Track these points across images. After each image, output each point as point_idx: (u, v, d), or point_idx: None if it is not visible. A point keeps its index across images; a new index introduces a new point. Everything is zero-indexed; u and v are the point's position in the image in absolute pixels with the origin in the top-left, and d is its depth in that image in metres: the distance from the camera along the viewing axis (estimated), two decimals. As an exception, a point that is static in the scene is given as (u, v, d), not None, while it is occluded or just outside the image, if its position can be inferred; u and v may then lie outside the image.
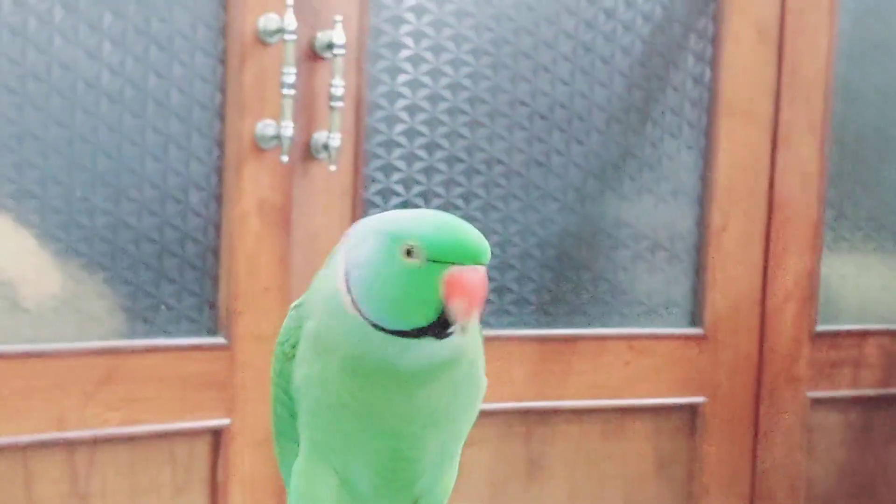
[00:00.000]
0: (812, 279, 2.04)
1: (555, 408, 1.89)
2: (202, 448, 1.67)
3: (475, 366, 0.69)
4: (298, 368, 0.67)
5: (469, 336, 0.67)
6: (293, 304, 0.72)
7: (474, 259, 0.63)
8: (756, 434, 2.03)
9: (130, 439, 1.61)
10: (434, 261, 0.63)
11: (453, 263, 0.63)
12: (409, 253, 0.63)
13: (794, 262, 2.02)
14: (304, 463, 0.67)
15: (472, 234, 0.64)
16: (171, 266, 1.63)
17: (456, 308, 0.63)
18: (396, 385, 0.64)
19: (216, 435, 1.67)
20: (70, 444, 1.58)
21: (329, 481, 0.67)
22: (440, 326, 0.63)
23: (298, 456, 0.68)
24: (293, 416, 0.68)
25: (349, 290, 0.65)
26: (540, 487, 1.89)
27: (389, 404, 0.65)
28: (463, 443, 0.70)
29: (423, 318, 0.64)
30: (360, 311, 0.65)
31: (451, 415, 0.67)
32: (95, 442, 1.59)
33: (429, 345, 0.64)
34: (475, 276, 0.63)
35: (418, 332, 0.64)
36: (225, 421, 1.66)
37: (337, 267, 0.67)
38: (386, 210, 1.76)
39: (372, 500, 0.68)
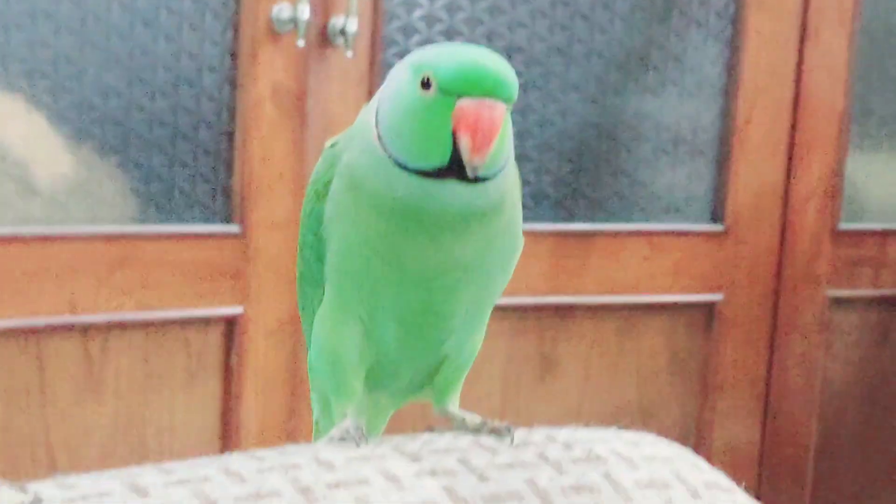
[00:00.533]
0: (836, 176, 2.01)
1: (570, 303, 1.87)
2: (215, 336, 1.66)
3: (512, 222, 0.65)
4: (330, 206, 0.64)
5: (504, 188, 0.63)
6: (328, 142, 0.69)
7: (488, 91, 0.59)
8: (773, 332, 2.02)
9: (144, 325, 1.60)
10: (447, 92, 0.60)
11: (466, 96, 0.60)
12: (425, 84, 0.60)
13: (819, 157, 1.99)
14: (329, 310, 0.64)
15: (491, 66, 0.60)
16: (185, 150, 1.61)
17: (463, 144, 0.60)
18: (425, 231, 0.61)
19: (229, 323, 1.66)
20: (83, 329, 1.57)
21: (354, 329, 0.64)
22: (459, 167, 0.60)
23: (323, 302, 0.65)
24: (320, 259, 0.65)
25: (377, 124, 0.62)
26: (552, 383, 1.89)
27: (418, 251, 0.62)
28: (494, 303, 0.66)
29: (437, 156, 0.60)
30: (384, 146, 0.62)
31: (484, 270, 0.64)
32: (109, 327, 1.58)
33: (453, 189, 0.61)
34: (485, 110, 0.59)
35: (441, 173, 0.61)
36: (238, 309, 1.65)
37: (373, 100, 0.65)
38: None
39: (397, 355, 0.65)
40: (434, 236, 0.61)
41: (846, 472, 2.13)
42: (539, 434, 0.58)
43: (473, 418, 0.62)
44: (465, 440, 0.57)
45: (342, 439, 0.57)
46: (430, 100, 0.60)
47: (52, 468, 1.57)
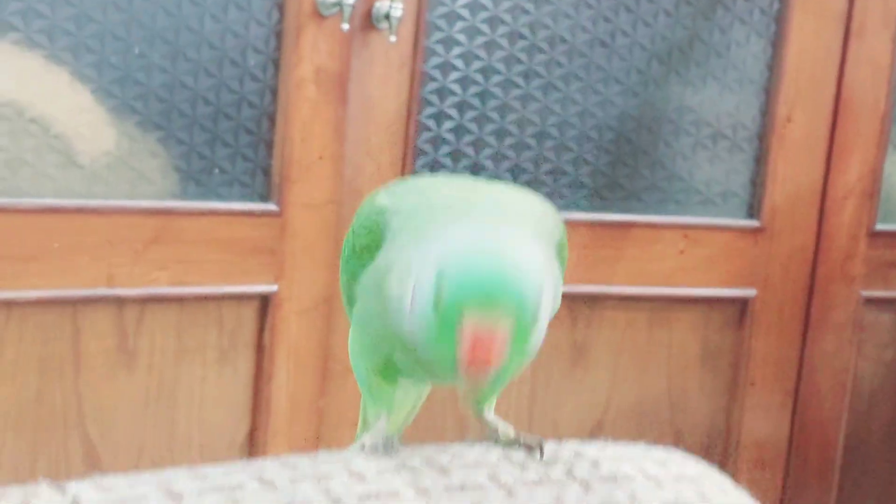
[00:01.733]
0: (875, 176, 2.00)
1: (603, 293, 1.87)
2: (249, 313, 1.67)
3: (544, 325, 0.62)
4: (361, 290, 0.62)
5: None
6: (376, 202, 0.63)
7: (487, 306, 0.54)
8: (805, 330, 2.01)
9: (179, 300, 1.62)
10: (453, 311, 0.54)
11: (470, 313, 0.54)
12: (437, 300, 0.56)
13: (858, 157, 1.98)
14: (355, 337, 0.65)
15: (492, 275, 0.55)
16: (226, 129, 1.62)
17: (463, 367, 0.54)
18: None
19: (264, 301, 1.67)
20: (119, 302, 1.58)
21: (380, 360, 0.64)
22: None
23: (352, 325, 0.65)
24: (352, 299, 0.65)
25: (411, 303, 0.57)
26: (583, 372, 1.89)
27: (438, 374, 0.60)
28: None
29: (448, 368, 0.55)
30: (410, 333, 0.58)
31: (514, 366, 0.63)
32: (144, 301, 1.60)
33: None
34: (484, 333, 0.53)
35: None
36: (273, 287, 1.66)
37: (412, 259, 0.59)
38: (443, 84, 1.73)
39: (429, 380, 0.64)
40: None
41: (873, 471, 2.13)
42: (568, 449, 0.59)
43: (507, 430, 0.62)
44: (495, 454, 0.58)
45: (374, 449, 0.58)
46: (441, 316, 0.56)
47: (83, 438, 1.58)
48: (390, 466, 0.54)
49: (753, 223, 1.95)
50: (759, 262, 1.96)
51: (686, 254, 1.91)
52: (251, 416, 1.69)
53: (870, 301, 2.05)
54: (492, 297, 0.55)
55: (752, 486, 2.01)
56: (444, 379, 0.59)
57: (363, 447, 0.58)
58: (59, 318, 1.55)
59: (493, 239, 0.57)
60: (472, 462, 0.56)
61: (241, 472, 0.51)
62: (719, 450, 1.99)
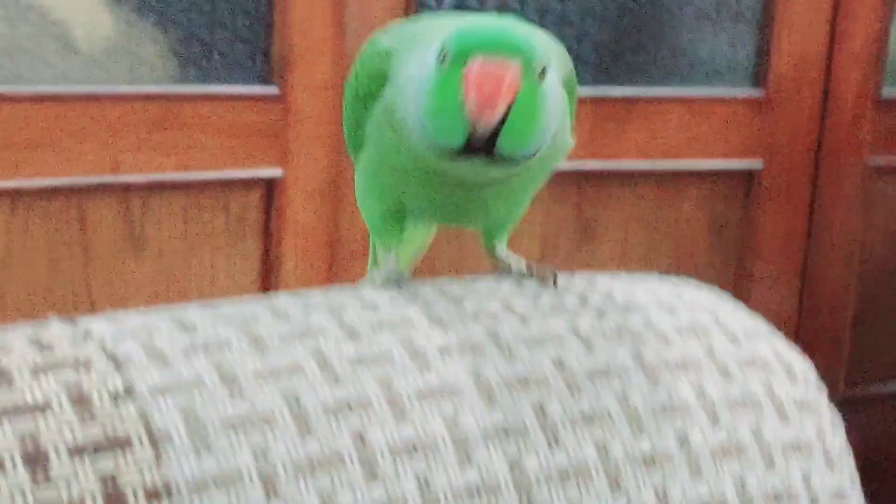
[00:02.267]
0: (880, 42, 1.98)
1: (609, 170, 1.87)
2: (255, 198, 1.67)
3: (554, 151, 0.61)
4: (371, 119, 0.61)
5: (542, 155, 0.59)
6: (378, 46, 0.62)
7: (498, 48, 0.53)
8: (813, 200, 2.01)
9: (184, 186, 1.61)
10: (458, 59, 0.54)
11: (475, 57, 0.53)
12: (442, 58, 0.55)
13: (864, 23, 1.96)
14: (363, 178, 0.64)
15: (501, 25, 0.54)
16: (224, 10, 1.60)
17: (467, 105, 0.52)
18: (454, 183, 0.58)
19: (269, 185, 1.66)
20: (125, 189, 1.58)
21: (388, 203, 0.63)
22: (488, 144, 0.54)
23: (358, 168, 0.64)
24: (359, 141, 0.64)
25: (403, 101, 0.56)
26: (591, 250, 1.89)
27: (446, 192, 0.59)
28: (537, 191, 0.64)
29: (453, 134, 0.54)
30: (409, 126, 0.56)
31: (521, 192, 0.61)
32: (150, 188, 1.59)
33: (478, 165, 0.55)
34: (491, 66, 0.52)
35: (467, 151, 0.55)
36: (278, 171, 1.65)
37: (404, 61, 0.58)
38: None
39: (438, 221, 0.64)
40: (464, 188, 0.58)
41: (883, 341, 2.13)
42: (581, 280, 0.59)
43: (519, 264, 0.61)
44: (508, 284, 0.58)
45: (386, 282, 0.58)
46: (445, 71, 0.55)
47: (95, 326, 1.59)
48: (403, 297, 0.54)
49: (759, 93, 1.93)
50: (766, 132, 1.95)
51: (691, 127, 1.90)
52: (261, 300, 1.69)
53: (877, 169, 2.04)
54: (498, 41, 0.54)
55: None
56: (454, 169, 0.57)
57: (374, 281, 0.58)
58: (65, 207, 1.55)
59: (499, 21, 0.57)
60: (485, 292, 0.56)
61: (254, 304, 0.51)
62: (729, 322, 2.00)
